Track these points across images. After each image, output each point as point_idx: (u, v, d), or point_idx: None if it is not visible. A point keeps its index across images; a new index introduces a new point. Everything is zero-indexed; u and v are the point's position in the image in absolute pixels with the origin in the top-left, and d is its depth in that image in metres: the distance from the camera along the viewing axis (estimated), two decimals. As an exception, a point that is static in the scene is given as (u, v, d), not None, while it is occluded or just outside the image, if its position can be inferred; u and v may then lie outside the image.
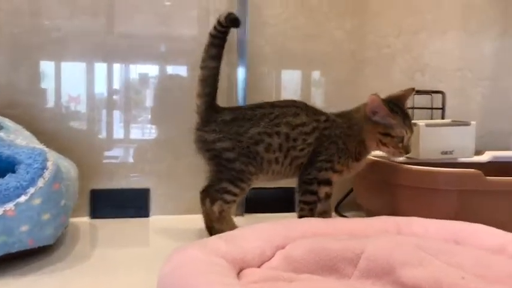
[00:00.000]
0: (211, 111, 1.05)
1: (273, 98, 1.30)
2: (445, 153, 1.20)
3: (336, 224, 0.89)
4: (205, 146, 1.04)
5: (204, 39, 1.26)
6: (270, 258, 0.77)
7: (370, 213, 1.07)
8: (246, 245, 0.76)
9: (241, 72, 1.25)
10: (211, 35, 1.05)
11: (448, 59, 1.41)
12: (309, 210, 1.04)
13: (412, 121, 1.05)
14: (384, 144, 1.02)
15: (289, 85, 1.32)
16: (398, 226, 0.87)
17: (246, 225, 0.87)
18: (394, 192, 1.04)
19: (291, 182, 1.28)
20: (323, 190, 1.04)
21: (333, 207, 1.32)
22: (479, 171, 0.95)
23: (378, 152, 1.10)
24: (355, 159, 1.05)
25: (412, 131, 1.03)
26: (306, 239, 0.79)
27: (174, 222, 1.22)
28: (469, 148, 1.22)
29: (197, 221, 1.15)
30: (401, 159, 1.18)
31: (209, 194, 1.05)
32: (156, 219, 1.24)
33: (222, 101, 1.26)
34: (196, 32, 1.27)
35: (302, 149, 1.03)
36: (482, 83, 1.43)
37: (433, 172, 0.96)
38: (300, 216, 1.03)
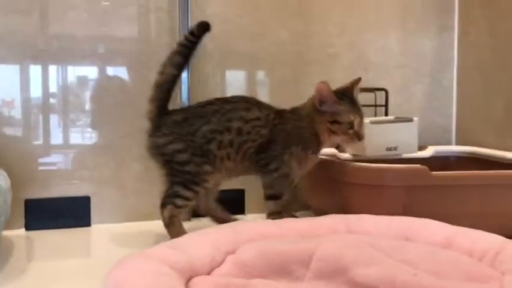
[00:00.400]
0: (163, 116, 1.02)
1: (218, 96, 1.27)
2: (390, 149, 1.21)
3: (285, 225, 0.87)
4: (158, 151, 1.02)
5: (144, 38, 1.22)
6: (220, 264, 0.74)
7: (320, 212, 1.06)
8: (194, 251, 0.72)
9: (183, 73, 1.21)
10: (180, 44, 1.04)
11: (389, 57, 1.43)
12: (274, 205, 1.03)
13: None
14: (334, 132, 1.01)
15: (234, 85, 1.30)
16: (348, 224, 0.87)
17: (194, 230, 0.83)
18: (342, 190, 1.04)
19: (240, 184, 1.26)
20: (282, 170, 1.02)
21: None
22: (425, 167, 0.96)
23: (324, 150, 1.10)
24: (312, 151, 1.04)
25: (361, 117, 1.02)
26: (256, 242, 0.77)
27: (117, 231, 1.16)
28: (413, 144, 1.24)
29: (141, 228, 1.10)
30: (347, 156, 1.19)
31: (161, 199, 1.02)
32: (97, 228, 1.18)
33: (165, 102, 1.23)
34: (135, 31, 1.22)
35: (254, 140, 1.01)
36: (423, 80, 1.46)
37: (380, 169, 0.96)
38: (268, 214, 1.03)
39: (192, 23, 1.22)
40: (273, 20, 1.31)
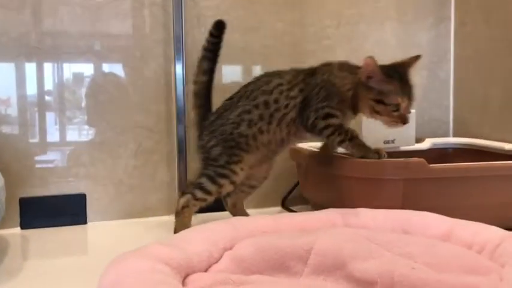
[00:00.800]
0: (203, 122, 1.06)
1: (213, 94, 1.26)
2: (388, 142, 1.21)
3: (283, 220, 0.86)
4: (201, 151, 1.05)
5: (138, 34, 1.20)
6: (218, 261, 0.73)
7: (317, 207, 1.05)
8: (190, 248, 0.71)
9: (178, 68, 1.20)
10: (204, 49, 1.06)
11: (386, 50, 1.42)
12: (338, 135, 0.97)
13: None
14: (377, 112, 0.96)
15: (230, 79, 1.28)
16: (346, 218, 0.86)
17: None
18: (340, 184, 1.03)
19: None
20: (331, 121, 0.98)
21: (279, 201, 1.30)
22: (423, 160, 0.95)
23: (318, 145, 1.10)
24: (352, 109, 1.00)
25: (410, 99, 0.96)
26: (253, 238, 0.76)
27: (113, 228, 1.15)
28: (410, 136, 1.23)
29: (138, 225, 1.09)
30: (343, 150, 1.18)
31: (233, 192, 1.07)
32: (94, 226, 1.17)
33: (159, 98, 1.22)
34: (130, 26, 1.20)
35: (287, 105, 1.00)
36: (420, 72, 1.45)
37: (378, 162, 0.96)
38: (338, 144, 0.99)
39: (186, 16, 1.21)
40: (268, 12, 1.30)
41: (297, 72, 1.04)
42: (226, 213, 1.13)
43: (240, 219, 0.85)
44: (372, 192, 0.97)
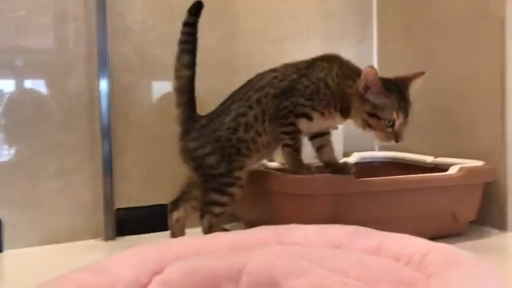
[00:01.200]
0: (191, 121, 1.01)
1: (142, 110, 1.22)
2: (316, 157, 1.22)
3: (214, 239, 0.84)
4: (188, 155, 1.00)
5: (61, 49, 1.14)
6: (146, 286, 0.70)
7: (250, 224, 1.04)
8: (116, 273, 0.67)
9: (103, 84, 1.15)
10: (180, 42, 1.00)
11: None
12: (290, 139, 0.97)
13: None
14: (370, 126, 0.93)
15: (160, 95, 1.25)
16: (278, 235, 0.85)
17: (119, 250, 0.78)
18: (271, 201, 1.02)
19: (165, 198, 1.21)
20: (302, 122, 0.96)
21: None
22: (351, 175, 0.97)
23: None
24: (340, 111, 0.97)
25: (406, 117, 0.93)
26: (183, 260, 0.73)
27: (33, 256, 1.07)
28: (338, 150, 1.25)
29: (61, 251, 1.02)
30: (275, 164, 1.18)
31: (182, 205, 1.04)
32: (11, 254, 1.08)
33: (83, 115, 1.16)
34: (51, 41, 1.14)
35: (273, 94, 0.98)
36: (346, 89, 1.49)
37: (308, 178, 0.96)
38: (284, 145, 0.97)
39: (111, 31, 1.17)
40: (199, 27, 1.28)
41: (292, 65, 1.02)
42: (167, 233, 1.08)
43: (168, 241, 0.82)
44: (302, 208, 0.97)
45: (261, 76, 1.02)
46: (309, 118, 0.97)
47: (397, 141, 0.94)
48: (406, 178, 1.05)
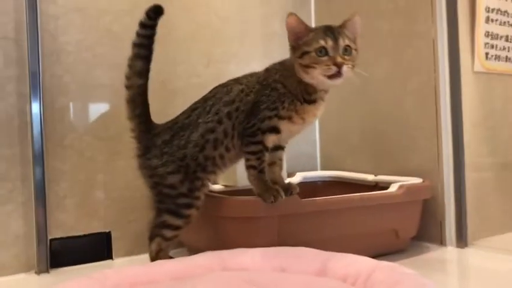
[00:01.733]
0: (148, 134, 0.95)
1: (77, 133, 1.16)
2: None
3: (156, 268, 0.80)
4: (148, 172, 0.95)
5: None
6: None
7: (194, 250, 1.01)
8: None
9: (35, 107, 1.09)
10: (135, 45, 0.94)
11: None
12: (255, 160, 0.93)
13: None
14: (307, 67, 0.88)
15: (96, 117, 1.20)
16: (223, 261, 0.83)
17: (53, 284, 0.72)
18: (216, 225, 1.00)
19: (106, 226, 1.16)
20: (269, 139, 0.93)
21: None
22: (296, 195, 0.96)
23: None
24: (304, 100, 0.93)
25: (337, 39, 0.87)
26: (124, 292, 0.69)
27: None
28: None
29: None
30: (219, 187, 1.16)
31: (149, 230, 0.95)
32: None
33: (12, 140, 1.09)
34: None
35: (243, 110, 0.94)
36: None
37: (252, 201, 0.94)
38: (248, 166, 0.94)
39: (44, 52, 1.11)
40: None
41: (253, 74, 0.99)
42: (106, 262, 1.02)
43: (104, 272, 0.77)
44: (248, 231, 0.95)
45: (226, 89, 0.98)
46: (277, 131, 0.94)
47: (338, 66, 0.87)
48: (350, 197, 1.06)
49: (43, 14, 1.12)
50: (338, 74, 0.87)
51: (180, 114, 1.00)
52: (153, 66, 1.25)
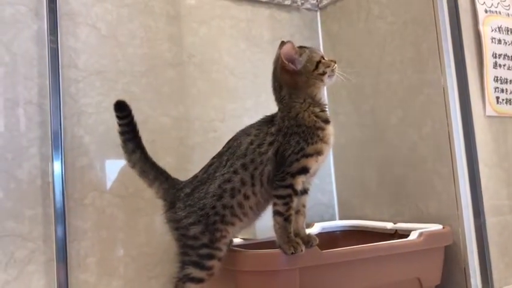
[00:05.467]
0: (172, 189, 1.00)
1: (99, 191, 1.19)
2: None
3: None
4: (174, 225, 0.99)
5: (11, 133, 1.11)
6: None
7: (214, 306, 0.99)
8: None
9: (57, 166, 1.12)
10: (120, 133, 1.02)
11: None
12: (283, 205, 0.94)
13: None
14: (324, 74, 1.00)
15: (116, 176, 1.22)
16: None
17: None
18: (235, 280, 0.99)
19: (124, 285, 1.16)
20: (299, 180, 0.95)
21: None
22: (316, 247, 0.96)
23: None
24: (324, 121, 0.99)
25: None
26: None
27: None
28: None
29: None
30: (238, 241, 1.15)
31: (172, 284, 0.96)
32: None
33: (35, 201, 1.11)
34: (2, 126, 1.11)
35: (261, 162, 0.97)
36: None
37: (271, 254, 0.94)
38: (275, 211, 0.95)
39: (65, 114, 1.16)
40: (153, 108, 1.29)
41: (261, 123, 1.03)
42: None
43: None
44: (268, 285, 0.94)
45: (237, 142, 1.02)
46: (306, 171, 0.96)
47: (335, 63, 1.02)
48: (370, 247, 1.05)
49: (65, 78, 1.18)
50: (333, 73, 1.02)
51: (200, 170, 1.04)
52: (171, 123, 1.31)
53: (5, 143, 1.11)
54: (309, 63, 1.00)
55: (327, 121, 0.99)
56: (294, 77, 1.00)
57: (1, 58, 1.12)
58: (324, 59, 1.02)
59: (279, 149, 0.97)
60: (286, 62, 0.98)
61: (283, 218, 0.95)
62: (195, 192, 0.98)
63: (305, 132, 0.96)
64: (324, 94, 1.05)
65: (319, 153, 0.97)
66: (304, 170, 0.96)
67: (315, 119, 0.98)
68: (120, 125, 1.01)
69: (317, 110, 0.99)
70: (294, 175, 0.95)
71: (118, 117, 1.01)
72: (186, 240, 0.96)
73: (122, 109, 1.00)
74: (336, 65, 1.02)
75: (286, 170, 0.95)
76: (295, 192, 0.96)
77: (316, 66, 1.00)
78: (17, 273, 1.08)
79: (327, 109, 1.02)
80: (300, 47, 1.01)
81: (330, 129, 1.00)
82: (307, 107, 0.99)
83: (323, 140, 0.97)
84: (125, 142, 1.02)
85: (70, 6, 1.21)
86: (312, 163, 0.96)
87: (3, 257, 1.07)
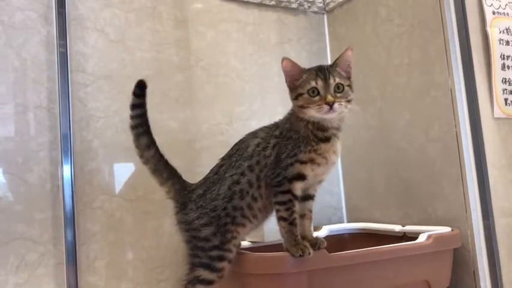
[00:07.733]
0: (183, 191, 1.01)
1: (108, 195, 1.19)
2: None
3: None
4: (185, 226, 0.98)
5: (22, 137, 1.13)
6: None
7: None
8: None
9: (66, 170, 1.13)
10: (133, 127, 1.01)
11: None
12: (285, 210, 0.95)
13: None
14: (302, 107, 0.94)
15: (124, 179, 1.23)
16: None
17: None
18: (243, 283, 0.99)
19: None
20: (297, 186, 0.96)
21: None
22: (324, 250, 0.96)
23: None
24: (319, 139, 0.96)
25: (328, 81, 0.93)
26: None
27: None
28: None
29: None
30: (246, 244, 1.16)
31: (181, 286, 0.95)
32: None
33: (45, 204, 1.12)
34: (12, 130, 1.13)
35: (266, 165, 0.98)
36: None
37: (278, 257, 0.94)
38: (279, 217, 0.96)
39: (74, 118, 1.17)
40: (160, 112, 1.30)
41: (271, 125, 1.04)
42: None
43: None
44: (277, 287, 0.95)
45: (245, 144, 1.02)
46: (303, 177, 0.96)
47: (329, 105, 0.92)
48: (378, 249, 1.05)
49: (73, 82, 1.19)
50: (330, 111, 0.93)
51: (210, 171, 1.04)
52: (179, 127, 1.31)
53: (15, 147, 1.12)
54: (298, 87, 0.96)
55: (323, 140, 0.96)
56: (289, 91, 1.00)
57: (11, 63, 1.14)
58: (314, 93, 0.93)
59: (279, 151, 0.98)
60: (285, 76, 0.98)
61: (288, 222, 0.95)
62: (207, 193, 0.99)
63: (299, 139, 0.97)
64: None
65: (313, 162, 0.96)
66: (300, 177, 0.96)
67: (310, 131, 0.96)
68: (133, 116, 1.00)
69: (315, 128, 0.96)
70: (290, 180, 0.95)
71: (134, 106, 1.00)
72: (196, 242, 0.96)
73: (141, 93, 1.01)
74: (326, 107, 0.92)
75: (282, 173, 0.96)
76: (295, 197, 0.96)
77: (296, 97, 0.97)
78: (27, 276, 1.09)
79: (329, 128, 0.97)
80: (307, 69, 0.97)
81: (328, 146, 0.96)
82: (307, 122, 0.96)
83: (317, 152, 0.96)
84: (137, 137, 1.01)
85: (79, 11, 1.22)
86: (307, 171, 0.96)
87: (14, 260, 1.08)
